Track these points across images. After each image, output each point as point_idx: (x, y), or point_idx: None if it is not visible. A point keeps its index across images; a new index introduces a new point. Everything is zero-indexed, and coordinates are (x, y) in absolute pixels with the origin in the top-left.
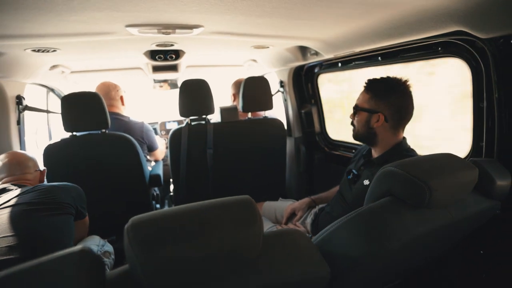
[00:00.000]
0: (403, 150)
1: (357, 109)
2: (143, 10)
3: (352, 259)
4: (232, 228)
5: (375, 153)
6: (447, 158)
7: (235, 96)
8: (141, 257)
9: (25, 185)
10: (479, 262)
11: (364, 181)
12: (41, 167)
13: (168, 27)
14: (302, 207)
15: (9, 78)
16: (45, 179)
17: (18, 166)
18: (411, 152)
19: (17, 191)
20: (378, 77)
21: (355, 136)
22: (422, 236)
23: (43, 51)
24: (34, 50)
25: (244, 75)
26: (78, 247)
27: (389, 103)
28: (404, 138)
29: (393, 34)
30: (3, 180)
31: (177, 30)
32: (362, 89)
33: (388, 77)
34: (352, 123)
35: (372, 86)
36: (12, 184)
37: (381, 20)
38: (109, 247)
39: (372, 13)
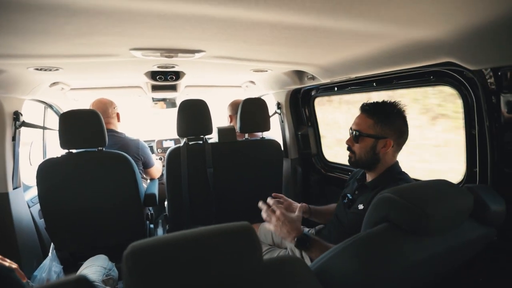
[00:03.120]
0: (395, 173)
1: (361, 135)
2: (148, 36)
3: (350, 286)
4: (231, 257)
5: (369, 177)
6: (442, 185)
7: (232, 117)
8: (141, 287)
9: None
10: None
11: (359, 206)
12: (35, 183)
13: (170, 51)
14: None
15: (8, 95)
16: (37, 197)
17: None
18: (403, 174)
19: None
20: (373, 101)
21: (355, 163)
22: (420, 262)
23: (45, 70)
24: (36, 69)
25: (242, 96)
26: (74, 275)
27: (394, 128)
28: (396, 161)
29: (387, 63)
30: None
31: (179, 54)
32: (359, 112)
33: (385, 101)
34: (349, 149)
35: (375, 110)
36: None
37: (376, 49)
38: (115, 273)
39: (367, 43)
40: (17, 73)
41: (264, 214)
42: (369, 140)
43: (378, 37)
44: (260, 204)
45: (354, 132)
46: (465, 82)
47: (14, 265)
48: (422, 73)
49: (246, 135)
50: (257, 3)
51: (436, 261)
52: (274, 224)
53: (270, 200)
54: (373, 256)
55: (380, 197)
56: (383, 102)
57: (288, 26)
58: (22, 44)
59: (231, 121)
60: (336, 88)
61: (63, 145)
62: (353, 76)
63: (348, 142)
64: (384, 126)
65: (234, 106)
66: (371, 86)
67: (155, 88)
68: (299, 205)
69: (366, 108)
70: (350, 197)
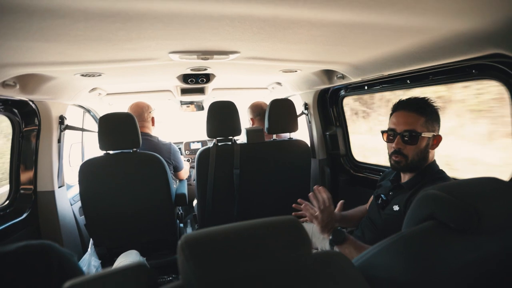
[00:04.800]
0: (434, 172)
1: (418, 135)
2: (187, 38)
3: (397, 285)
4: (284, 249)
5: (405, 177)
6: (493, 182)
7: (253, 120)
8: (199, 274)
9: None
10: None
11: (394, 207)
12: (74, 183)
13: (207, 53)
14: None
15: (56, 100)
16: (78, 195)
17: None
18: (442, 173)
19: None
20: (412, 97)
21: (405, 167)
22: (471, 263)
23: (89, 76)
24: (82, 75)
25: (265, 97)
26: (135, 262)
27: (439, 123)
28: (434, 159)
29: (425, 58)
30: None
31: (214, 56)
32: (403, 112)
33: (425, 97)
34: (399, 153)
35: (423, 108)
36: None
37: (413, 44)
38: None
39: (406, 38)
40: (65, 80)
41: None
42: (424, 139)
43: (419, 31)
44: (304, 206)
45: (406, 133)
46: None
47: None
48: (462, 67)
49: (274, 136)
50: (298, 1)
51: (491, 263)
52: (320, 209)
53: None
54: (419, 255)
55: (424, 193)
56: (424, 98)
57: (328, 24)
58: (73, 51)
59: (252, 124)
60: (366, 87)
61: (102, 146)
62: (386, 73)
63: (398, 145)
64: (433, 122)
65: (254, 108)
66: (404, 83)
67: (184, 91)
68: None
69: (413, 105)
70: (384, 198)
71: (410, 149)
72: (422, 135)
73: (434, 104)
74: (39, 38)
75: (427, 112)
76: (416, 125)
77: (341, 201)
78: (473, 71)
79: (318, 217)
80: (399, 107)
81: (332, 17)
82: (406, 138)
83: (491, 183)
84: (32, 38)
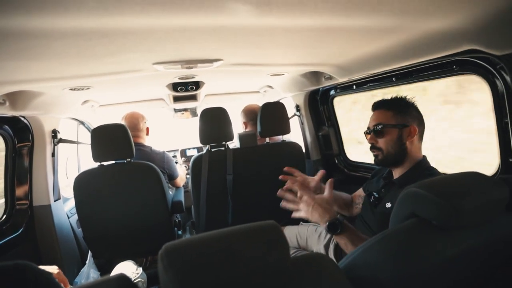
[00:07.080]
0: (424, 169)
1: (385, 127)
2: (169, 49)
3: (380, 284)
4: (260, 253)
5: (396, 174)
6: (473, 177)
7: (246, 124)
8: (177, 283)
9: None
10: None
11: (386, 204)
12: (72, 195)
13: (190, 63)
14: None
15: (47, 114)
16: (74, 207)
17: None
18: (432, 170)
19: None
20: (382, 99)
21: (384, 160)
22: (454, 259)
23: (78, 90)
24: (71, 89)
25: (259, 101)
26: (115, 274)
27: (412, 116)
28: (424, 156)
29: (406, 56)
30: None
31: (198, 65)
32: (374, 111)
33: (395, 96)
34: (374, 147)
35: (390, 103)
36: None
37: (393, 44)
38: (143, 276)
39: (383, 38)
40: (55, 95)
41: (290, 205)
42: (393, 131)
43: (394, 31)
44: (279, 192)
45: (375, 128)
46: (491, 69)
47: (56, 271)
48: (444, 63)
49: (267, 139)
50: (270, 10)
51: (472, 258)
52: (304, 211)
53: (289, 183)
54: (402, 252)
55: (406, 192)
56: (394, 97)
57: (302, 29)
58: (59, 67)
59: (246, 128)
60: (354, 86)
61: (95, 158)
62: (371, 72)
63: (371, 140)
64: (404, 115)
65: (247, 112)
66: (390, 81)
67: (176, 99)
68: (316, 178)
69: (381, 103)
70: (377, 195)
71: (381, 142)
72: (389, 127)
73: (408, 100)
74: (20, 58)
75: (394, 107)
76: (382, 119)
77: (330, 180)
78: (454, 67)
79: (304, 199)
80: (372, 109)
81: (303, 23)
82: (375, 132)
83: (472, 178)
84: (12, 58)
